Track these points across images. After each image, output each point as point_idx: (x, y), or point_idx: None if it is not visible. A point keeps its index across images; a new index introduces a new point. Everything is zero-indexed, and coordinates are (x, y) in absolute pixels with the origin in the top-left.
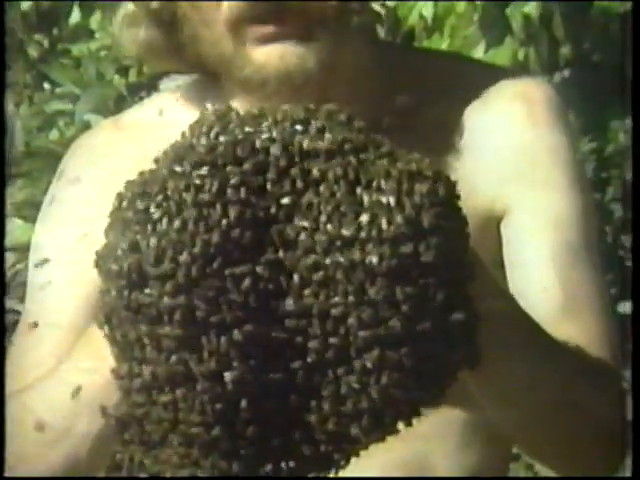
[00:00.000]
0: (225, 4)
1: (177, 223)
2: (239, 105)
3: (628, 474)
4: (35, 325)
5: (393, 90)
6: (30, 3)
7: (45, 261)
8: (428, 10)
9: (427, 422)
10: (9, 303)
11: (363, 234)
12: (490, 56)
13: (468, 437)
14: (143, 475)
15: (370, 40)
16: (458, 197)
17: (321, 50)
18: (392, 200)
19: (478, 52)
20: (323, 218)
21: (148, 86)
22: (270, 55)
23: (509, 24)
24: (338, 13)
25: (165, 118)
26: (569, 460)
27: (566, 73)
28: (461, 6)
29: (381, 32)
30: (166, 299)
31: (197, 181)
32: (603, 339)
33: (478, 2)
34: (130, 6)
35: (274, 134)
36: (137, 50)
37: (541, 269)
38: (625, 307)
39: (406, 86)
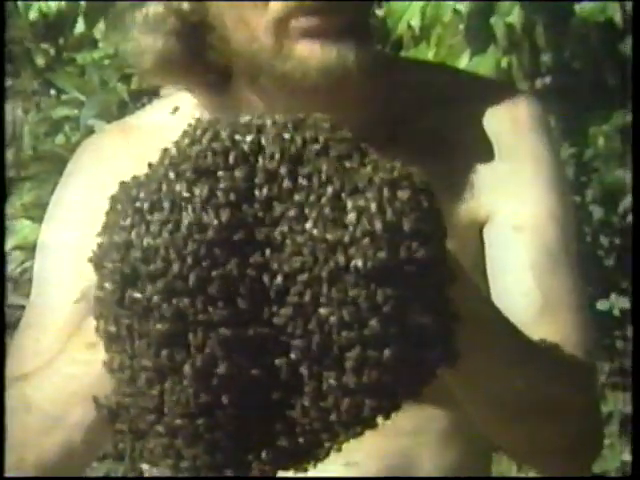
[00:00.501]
0: (274, 4)
1: (169, 225)
2: (249, 109)
3: (628, 474)
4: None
5: (389, 99)
6: (37, 14)
7: (59, 277)
8: (416, 20)
9: (411, 419)
10: (17, 299)
11: (347, 238)
12: (474, 64)
13: (450, 434)
14: (144, 463)
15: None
16: (438, 204)
17: (359, 48)
18: (374, 206)
19: (463, 60)
20: (309, 223)
21: (149, 93)
22: (312, 49)
23: (493, 33)
24: (366, 14)
25: (171, 122)
26: (546, 456)
27: (547, 80)
28: (447, 16)
29: None
30: (156, 297)
31: (189, 186)
32: (579, 339)
33: (464, 13)
34: (153, 8)
35: (263, 142)
36: (151, 60)
37: (521, 274)
38: (604, 305)
39: (401, 96)
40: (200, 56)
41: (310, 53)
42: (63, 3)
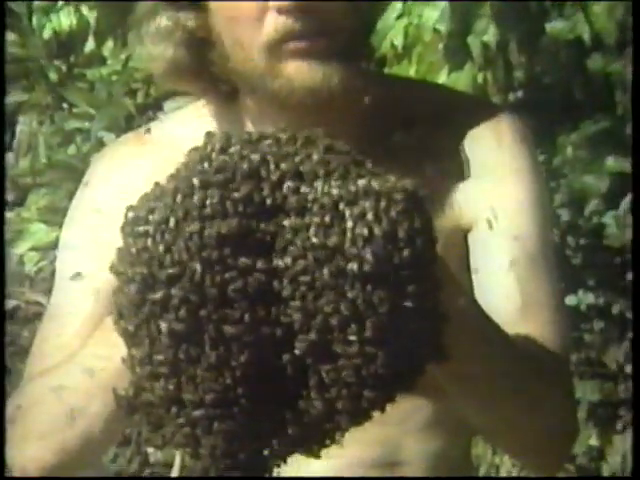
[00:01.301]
0: (271, 25)
1: (184, 233)
2: (252, 121)
3: (628, 474)
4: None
5: (375, 115)
6: (50, 32)
7: (78, 275)
8: (399, 39)
9: (397, 409)
10: (34, 296)
11: (346, 245)
12: (452, 80)
13: (432, 422)
14: (149, 447)
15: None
16: (429, 214)
17: (344, 70)
18: (371, 215)
19: (442, 76)
20: (312, 230)
21: (154, 107)
22: (299, 69)
23: (469, 51)
24: (358, 38)
25: (184, 133)
26: (525, 444)
27: (519, 94)
28: (428, 36)
29: None
30: (173, 299)
31: (201, 197)
32: (556, 336)
33: (443, 32)
34: (164, 21)
35: (269, 157)
36: (162, 67)
37: (503, 277)
38: (572, 300)
39: (387, 112)
40: (206, 67)
41: (297, 73)
42: (74, 23)
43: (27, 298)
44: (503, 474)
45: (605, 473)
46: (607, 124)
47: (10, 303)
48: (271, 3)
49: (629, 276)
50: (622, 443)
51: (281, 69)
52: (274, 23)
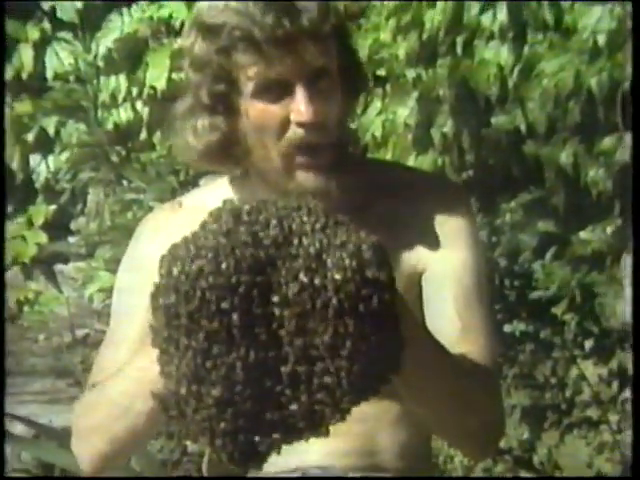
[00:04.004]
0: (288, 135)
1: (200, 279)
2: (260, 191)
3: (628, 474)
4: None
5: (356, 189)
6: (112, 124)
7: (127, 310)
8: (378, 132)
9: (372, 408)
10: (100, 326)
11: (327, 282)
12: (419, 162)
13: (401, 418)
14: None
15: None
16: (389, 261)
17: (339, 178)
18: (347, 262)
19: (411, 159)
20: (301, 274)
21: (192, 183)
22: (308, 178)
23: (432, 140)
24: (343, 148)
25: (209, 202)
26: (464, 437)
27: (470, 173)
28: (400, 129)
29: None
30: (193, 325)
31: (217, 248)
32: (488, 354)
33: (412, 126)
34: (200, 122)
35: (272, 220)
36: (195, 155)
37: (446, 308)
38: (509, 328)
39: (366, 187)
40: (230, 158)
41: (306, 181)
42: (131, 117)
43: (95, 327)
44: (457, 463)
45: (535, 462)
46: (537, 195)
47: (82, 331)
48: (293, 117)
49: (553, 310)
50: (548, 438)
51: (293, 175)
52: (292, 134)
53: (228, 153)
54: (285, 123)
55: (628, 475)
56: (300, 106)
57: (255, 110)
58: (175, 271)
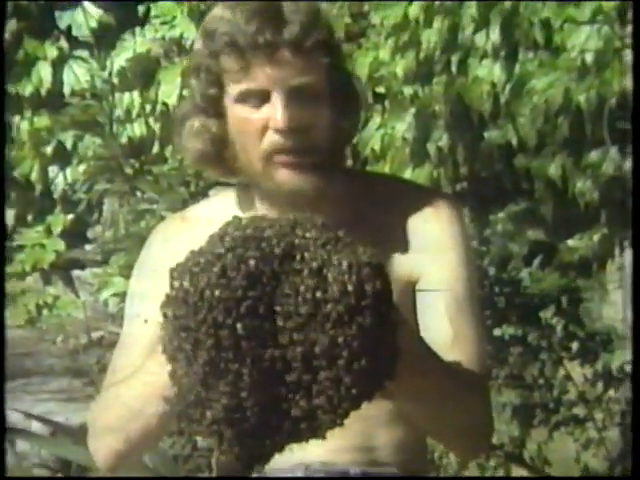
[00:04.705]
0: (268, 140)
1: (207, 291)
2: (262, 206)
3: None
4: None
5: (355, 201)
6: (126, 139)
7: (139, 315)
8: (377, 145)
9: (369, 408)
10: (115, 329)
11: (327, 296)
12: (415, 175)
13: (396, 418)
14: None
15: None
16: (387, 273)
17: (321, 180)
18: (347, 276)
19: (408, 172)
20: (302, 288)
21: (201, 194)
22: (286, 177)
23: (428, 154)
24: (336, 154)
25: (215, 214)
26: (456, 438)
27: (464, 184)
28: (398, 143)
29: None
30: (201, 335)
31: (224, 262)
32: (478, 360)
33: (409, 140)
34: (195, 123)
35: (276, 236)
36: (193, 156)
37: (438, 316)
38: (498, 332)
39: (364, 199)
40: (223, 161)
41: (284, 180)
42: (144, 131)
43: (109, 330)
44: (452, 458)
45: (525, 457)
46: (526, 206)
47: (97, 334)
48: (270, 124)
49: (541, 314)
50: (537, 435)
51: (272, 175)
52: (270, 139)
53: (219, 156)
54: (264, 128)
55: (628, 475)
56: (276, 113)
57: (238, 114)
58: (184, 284)
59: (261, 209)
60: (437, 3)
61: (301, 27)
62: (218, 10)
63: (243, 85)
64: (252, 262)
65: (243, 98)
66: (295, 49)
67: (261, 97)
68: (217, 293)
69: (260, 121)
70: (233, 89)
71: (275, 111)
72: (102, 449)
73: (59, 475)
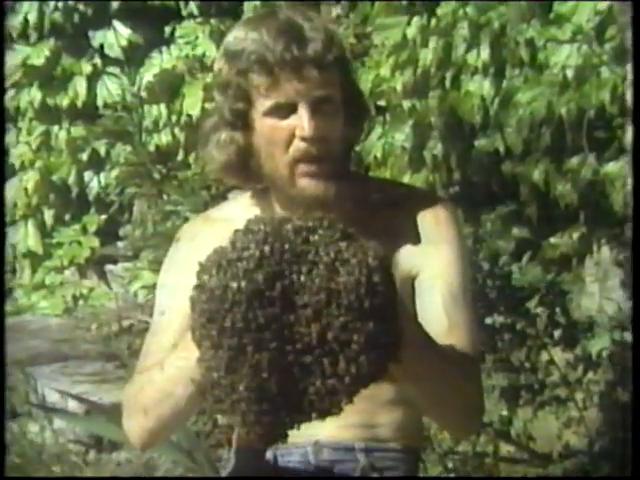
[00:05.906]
0: (293, 148)
1: (232, 284)
2: (280, 207)
3: (628, 474)
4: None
5: (359, 203)
6: (154, 146)
7: (169, 306)
8: (379, 153)
9: (370, 389)
10: (144, 317)
11: (340, 287)
12: (413, 179)
13: (396, 399)
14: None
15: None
16: (392, 266)
17: (338, 187)
18: (357, 270)
19: (406, 177)
20: (317, 280)
21: (222, 197)
22: (308, 185)
23: (425, 161)
24: (345, 161)
25: (235, 215)
26: (450, 416)
27: (457, 188)
28: (398, 150)
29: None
30: (227, 323)
31: (247, 257)
32: (470, 345)
33: (408, 148)
34: (222, 136)
35: (293, 234)
36: (218, 166)
37: (435, 306)
38: (488, 320)
39: (366, 201)
40: (247, 170)
41: (307, 187)
42: (170, 140)
43: (139, 318)
44: (446, 434)
45: (512, 434)
46: (513, 207)
47: (128, 322)
48: (297, 132)
49: (527, 304)
50: (523, 414)
51: (296, 182)
52: (296, 147)
53: (245, 165)
54: (291, 137)
55: (628, 475)
56: (303, 123)
57: (266, 126)
58: (212, 277)
59: (278, 209)
60: (432, 24)
61: (322, 44)
62: (240, 32)
63: (272, 99)
64: (273, 257)
65: (272, 110)
66: (317, 64)
67: (289, 109)
68: (242, 286)
69: (288, 130)
70: (262, 104)
71: (302, 121)
72: (136, 428)
73: (89, 450)
